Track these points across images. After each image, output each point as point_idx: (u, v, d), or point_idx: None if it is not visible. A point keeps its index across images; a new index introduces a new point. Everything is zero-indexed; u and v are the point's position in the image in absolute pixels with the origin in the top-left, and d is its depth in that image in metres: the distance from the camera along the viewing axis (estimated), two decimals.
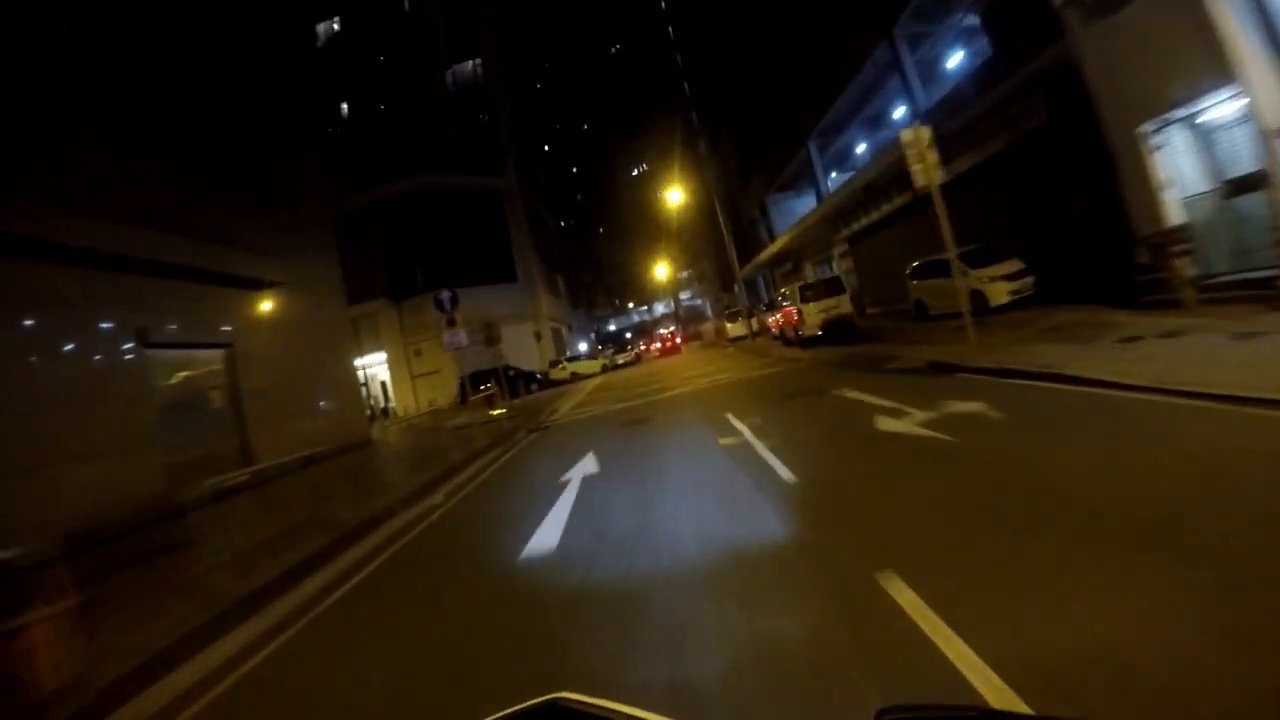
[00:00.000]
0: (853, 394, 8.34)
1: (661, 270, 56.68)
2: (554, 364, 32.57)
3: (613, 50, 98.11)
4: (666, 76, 61.98)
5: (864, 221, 24.17)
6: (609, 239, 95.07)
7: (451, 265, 37.39)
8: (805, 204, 36.83)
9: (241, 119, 16.00)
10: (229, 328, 14.43)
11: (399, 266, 38.14)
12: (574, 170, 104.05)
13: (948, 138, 17.13)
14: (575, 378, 32.41)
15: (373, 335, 38.62)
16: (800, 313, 16.93)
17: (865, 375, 9.89)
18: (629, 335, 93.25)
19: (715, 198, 28.23)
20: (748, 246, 45.95)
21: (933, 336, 12.27)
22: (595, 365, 33.51)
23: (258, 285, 15.39)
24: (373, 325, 38.49)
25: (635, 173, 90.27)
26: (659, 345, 49.04)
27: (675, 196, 27.51)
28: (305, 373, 16.73)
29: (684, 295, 79.34)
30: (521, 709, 1.04)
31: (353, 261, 39.60)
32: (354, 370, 21.65)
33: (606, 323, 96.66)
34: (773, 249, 34.83)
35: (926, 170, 9.98)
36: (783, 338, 20.51)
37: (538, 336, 35.07)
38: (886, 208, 21.92)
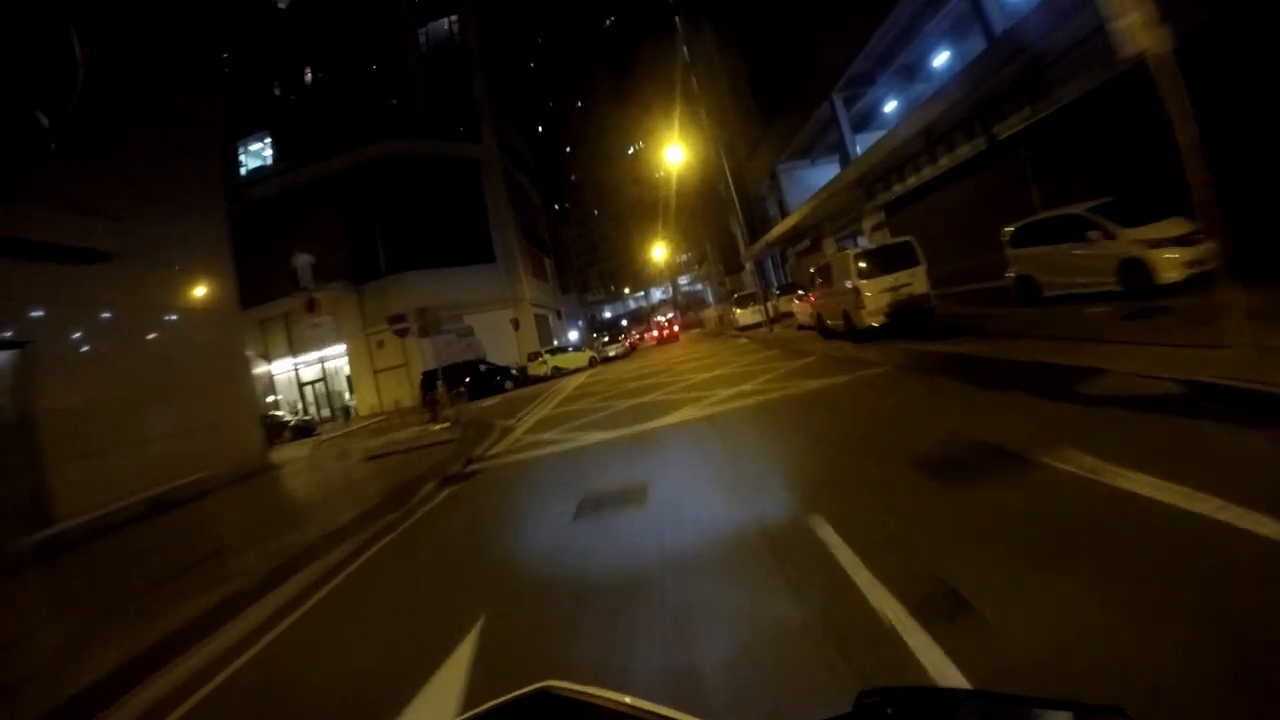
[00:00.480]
0: (1116, 477, 3.63)
1: (659, 251, 51.89)
2: (533, 357, 27.98)
3: (607, 15, 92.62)
4: (664, 28, 56.79)
5: (911, 181, 19.53)
6: (604, 221, 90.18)
7: (419, 243, 32.73)
8: (822, 174, 32.15)
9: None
10: (23, 319, 9.80)
11: (362, 245, 33.44)
12: (568, 150, 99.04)
13: (1050, 59, 12.51)
14: (558, 373, 27.84)
15: (332, 324, 33.98)
16: (858, 292, 12.21)
17: (1056, 408, 5.19)
18: (625, 323, 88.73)
19: (724, 158, 23.57)
20: (754, 225, 41.24)
21: (1090, 329, 7.68)
22: (581, 358, 28.95)
23: (78, 258, 10.71)
24: (332, 313, 33.82)
25: (631, 151, 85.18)
26: (655, 333, 46.27)
27: (676, 155, 22.74)
28: (159, 380, 12.08)
29: (683, 280, 74.56)
30: (512, 698, 1.02)
31: (311, 241, 34.90)
32: (246, 373, 16.95)
33: (601, 309, 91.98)
34: (787, 224, 30.14)
35: (1137, 28, 5.41)
36: (821, 328, 15.89)
37: (515, 324, 30.43)
38: (946, 161, 17.27)
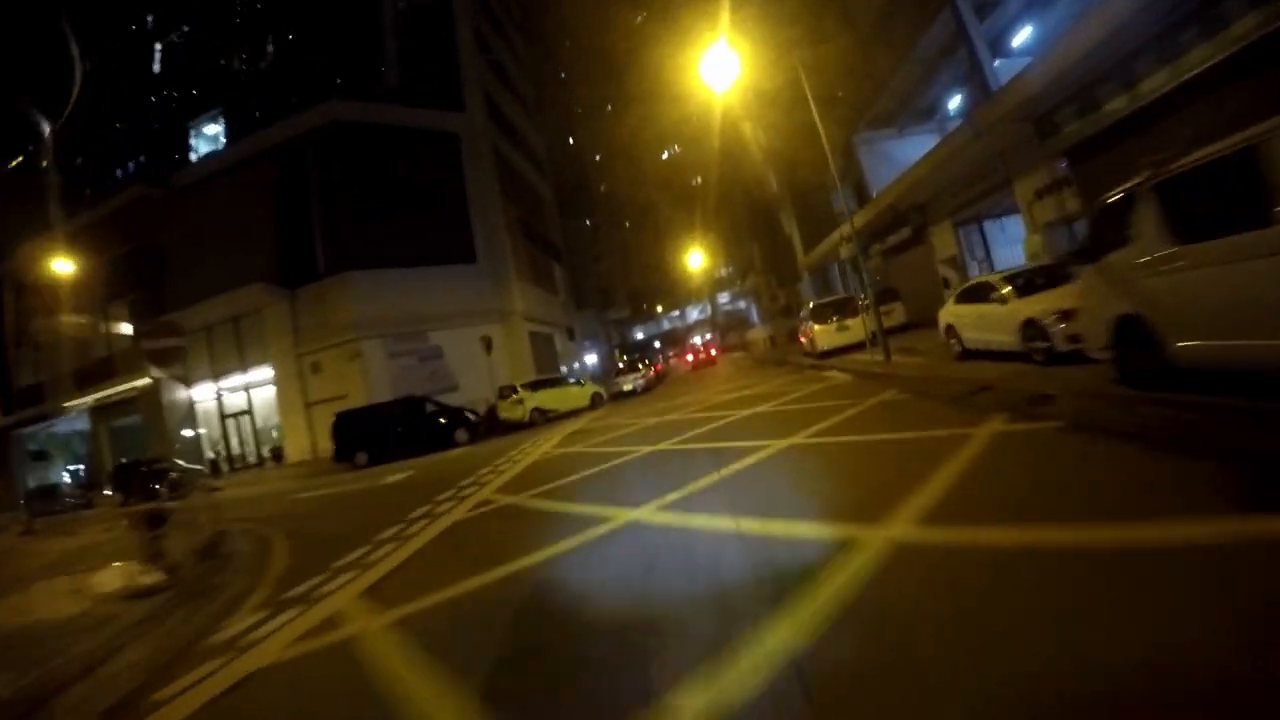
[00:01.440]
0: None
1: (696, 259, 43.06)
2: (505, 394, 19.08)
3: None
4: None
5: (1132, 99, 10.29)
6: (637, 232, 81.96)
7: (372, 235, 24.55)
8: (915, 147, 23.07)
9: None
10: None
11: (297, 238, 25.45)
12: (596, 159, 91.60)
13: None
14: (541, 417, 18.90)
15: (257, 341, 26.01)
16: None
17: None
18: (658, 344, 79.89)
19: (803, 79, 14.62)
20: (813, 225, 32.07)
21: None
22: (578, 395, 19.96)
23: None
24: (257, 326, 25.86)
25: (665, 155, 77.09)
26: (691, 356, 41.82)
27: (723, 70, 13.89)
28: None
29: (723, 298, 65.43)
30: None
31: (239, 235, 27.12)
32: None
33: (630, 329, 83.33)
34: (882, 200, 21.03)
35: None
36: (1050, 357, 6.78)
37: (487, 345, 21.73)
38: (1205, 53, 8.13)
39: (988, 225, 19.81)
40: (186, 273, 26.29)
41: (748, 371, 22.03)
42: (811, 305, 18.69)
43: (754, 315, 52.32)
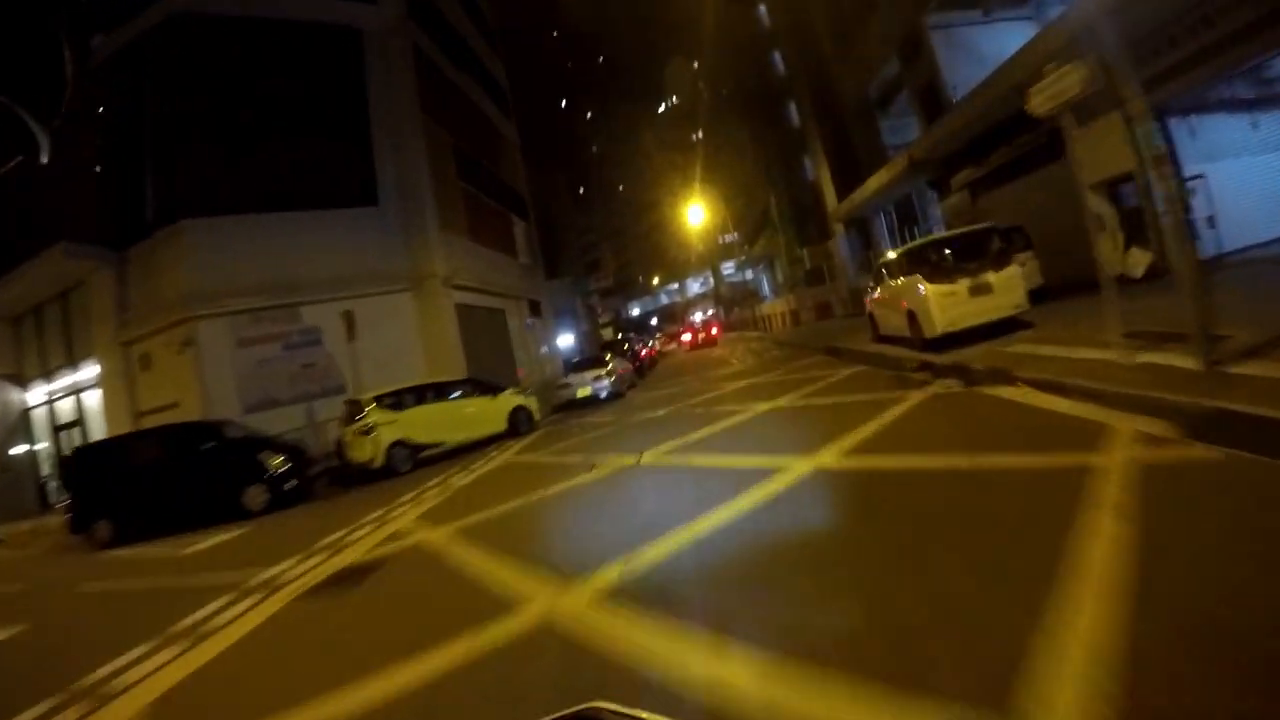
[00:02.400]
0: None
1: (697, 214, 35.30)
2: (353, 415, 10.97)
3: None
4: None
5: None
6: (630, 198, 73.81)
7: (225, 171, 16.93)
8: (1006, 37, 15.55)
9: None
10: None
11: (126, 180, 17.83)
12: (588, 116, 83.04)
13: None
14: (411, 459, 11.04)
15: (85, 325, 18.66)
16: None
17: None
18: (655, 321, 72.24)
19: None
20: (849, 165, 24.42)
21: None
22: (491, 414, 12.22)
23: None
24: (84, 304, 18.52)
25: (662, 109, 68.63)
26: (688, 336, 38.48)
27: None
28: None
29: (727, 269, 57.49)
30: (558, 717, 1.02)
31: (60, 177, 19.17)
32: None
33: (625, 305, 75.63)
34: (997, 89, 13.28)
35: None
36: None
37: (348, 322, 14.07)
38: None
39: (1179, 121, 12.13)
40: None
41: (777, 365, 14.49)
42: (903, 252, 10.22)
43: (765, 287, 44.56)
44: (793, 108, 29.43)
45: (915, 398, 6.53)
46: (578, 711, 1.01)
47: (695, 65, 50.34)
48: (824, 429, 5.94)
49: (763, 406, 8.39)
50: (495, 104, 29.54)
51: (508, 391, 12.87)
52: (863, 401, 7.03)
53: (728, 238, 48.50)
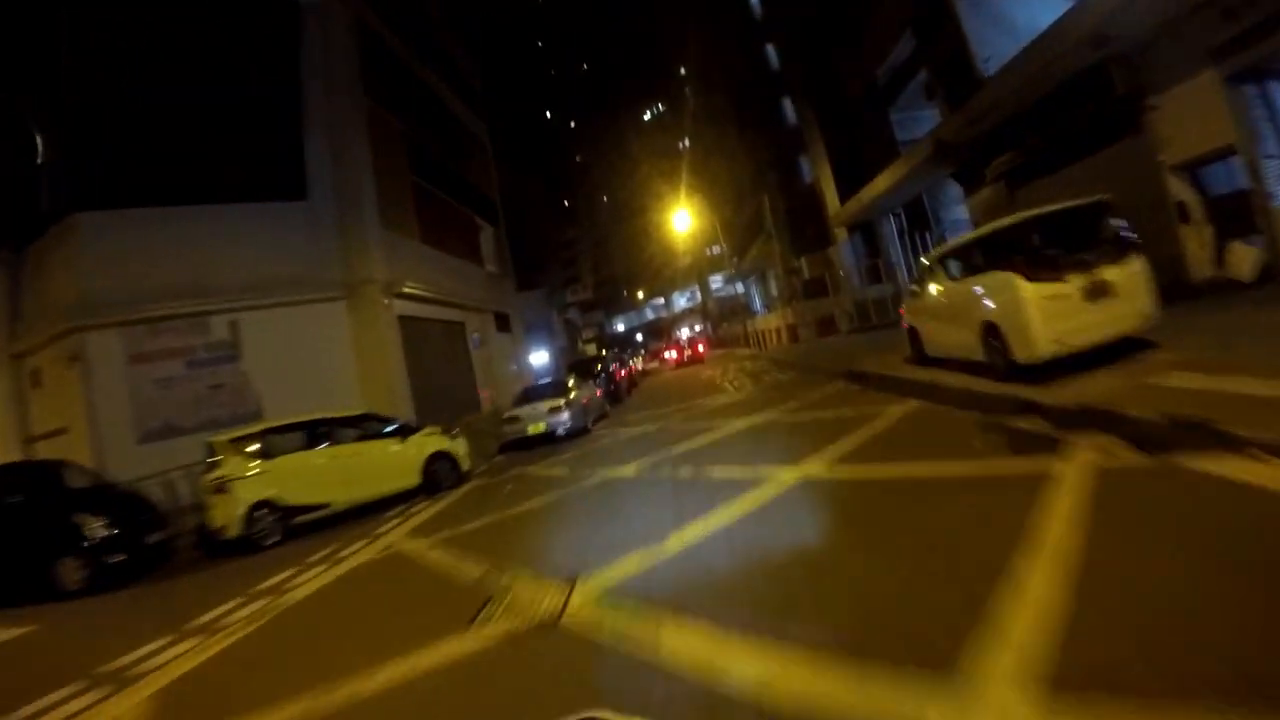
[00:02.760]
0: None
1: (684, 221, 32.87)
2: (211, 463, 7.73)
3: None
4: None
5: None
6: (615, 210, 71.45)
7: (127, 157, 14.12)
8: (1044, 6, 13.14)
9: None
10: None
11: (23, 170, 14.95)
12: (571, 125, 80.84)
13: None
14: (281, 524, 7.87)
15: None
16: None
17: None
18: (640, 337, 69.57)
19: None
20: (850, 164, 22.14)
21: None
22: (400, 463, 9.02)
23: None
24: None
25: (648, 116, 66.64)
26: (674, 354, 38.07)
27: None
28: None
29: (715, 282, 55.00)
30: None
31: None
32: None
33: (611, 321, 73.02)
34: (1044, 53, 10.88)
35: None
36: None
37: (233, 334, 11.32)
38: None
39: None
40: None
41: (785, 395, 11.77)
42: (978, 237, 7.37)
43: (756, 302, 42.13)
44: (788, 105, 27.10)
45: (1068, 475, 3.73)
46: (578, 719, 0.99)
47: (682, 71, 48.33)
48: (941, 556, 3.20)
49: (788, 474, 5.45)
50: (464, 101, 26.93)
51: (424, 432, 9.80)
52: (970, 478, 4.23)
53: (715, 249, 46.06)
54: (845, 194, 21.87)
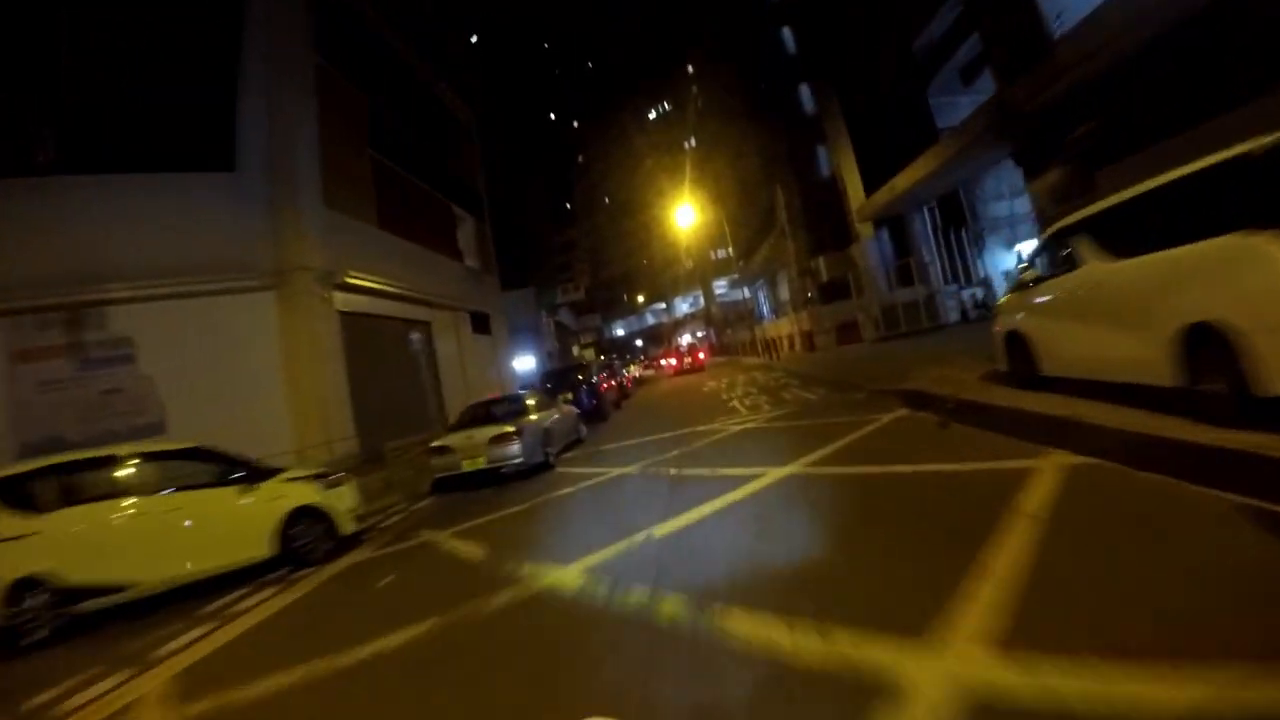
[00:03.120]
0: None
1: (687, 218, 30.38)
2: None
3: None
4: None
5: None
6: (615, 214, 69.04)
7: (28, 120, 11.58)
8: None
9: None
10: None
11: None
12: (575, 126, 78.53)
13: None
14: (44, 621, 5.04)
15: None
16: None
17: None
18: (640, 343, 67.02)
19: None
20: (875, 153, 19.69)
21: None
22: (244, 522, 6.05)
23: None
24: None
25: (653, 116, 64.22)
26: (673, 361, 37.38)
27: None
28: None
29: (719, 287, 52.38)
30: None
31: None
32: None
33: (610, 325, 70.53)
34: None
35: None
36: None
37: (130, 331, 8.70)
38: None
39: None
40: None
41: (819, 423, 8.98)
42: (1187, 176, 3.79)
43: (764, 307, 39.48)
44: (804, 92, 24.56)
45: None
46: None
47: (690, 69, 45.99)
48: None
49: (919, 671, 2.10)
50: (451, 87, 24.42)
51: (282, 477, 6.61)
52: None
53: (721, 253, 43.41)
54: (871, 185, 19.28)
